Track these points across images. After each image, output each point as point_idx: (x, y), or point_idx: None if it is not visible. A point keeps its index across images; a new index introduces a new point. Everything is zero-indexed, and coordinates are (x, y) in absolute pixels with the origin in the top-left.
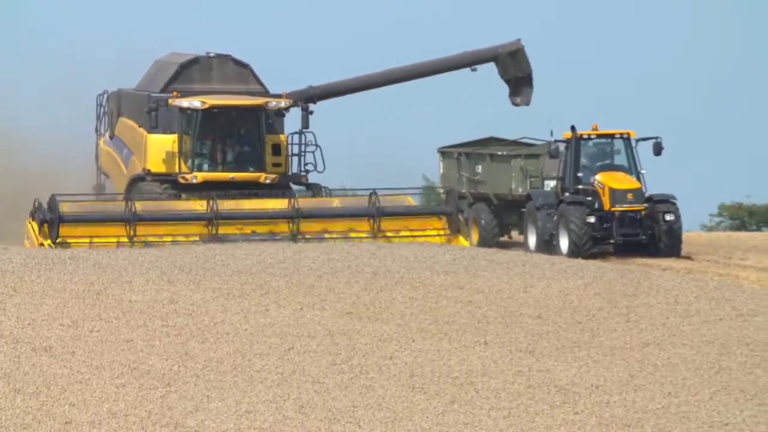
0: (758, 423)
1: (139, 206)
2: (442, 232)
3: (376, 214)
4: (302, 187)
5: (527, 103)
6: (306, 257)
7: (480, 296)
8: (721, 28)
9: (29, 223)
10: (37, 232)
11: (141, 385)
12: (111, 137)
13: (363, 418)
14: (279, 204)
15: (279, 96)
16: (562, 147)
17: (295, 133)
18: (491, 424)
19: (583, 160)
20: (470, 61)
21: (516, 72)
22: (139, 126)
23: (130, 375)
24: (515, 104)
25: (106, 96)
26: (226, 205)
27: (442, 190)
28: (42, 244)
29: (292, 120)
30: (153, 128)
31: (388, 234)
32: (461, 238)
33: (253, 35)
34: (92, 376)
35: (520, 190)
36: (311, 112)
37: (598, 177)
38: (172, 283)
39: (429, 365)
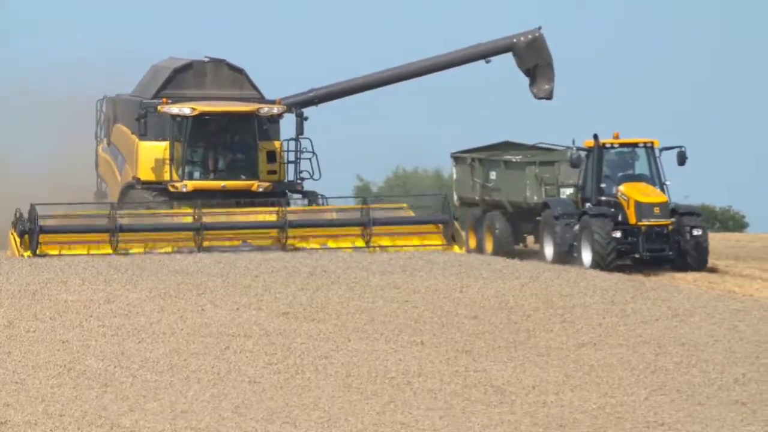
0: (694, 423)
1: (123, 216)
2: (437, 241)
3: (368, 223)
4: (299, 195)
5: (549, 97)
6: (242, 257)
7: (417, 296)
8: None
9: (11, 233)
10: (18, 243)
11: (77, 385)
12: (108, 144)
13: (299, 418)
14: (268, 214)
15: (272, 102)
16: (583, 155)
17: (291, 139)
18: (428, 424)
19: (605, 169)
20: (485, 52)
21: (535, 60)
22: (132, 133)
23: (66, 375)
24: (537, 97)
25: (104, 101)
26: (214, 215)
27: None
28: (22, 256)
29: (292, 126)
30: (143, 135)
31: (382, 243)
32: (456, 247)
33: (255, 36)
34: (28, 377)
35: (536, 198)
36: (306, 119)
37: (622, 188)
38: (108, 283)
39: (365, 365)
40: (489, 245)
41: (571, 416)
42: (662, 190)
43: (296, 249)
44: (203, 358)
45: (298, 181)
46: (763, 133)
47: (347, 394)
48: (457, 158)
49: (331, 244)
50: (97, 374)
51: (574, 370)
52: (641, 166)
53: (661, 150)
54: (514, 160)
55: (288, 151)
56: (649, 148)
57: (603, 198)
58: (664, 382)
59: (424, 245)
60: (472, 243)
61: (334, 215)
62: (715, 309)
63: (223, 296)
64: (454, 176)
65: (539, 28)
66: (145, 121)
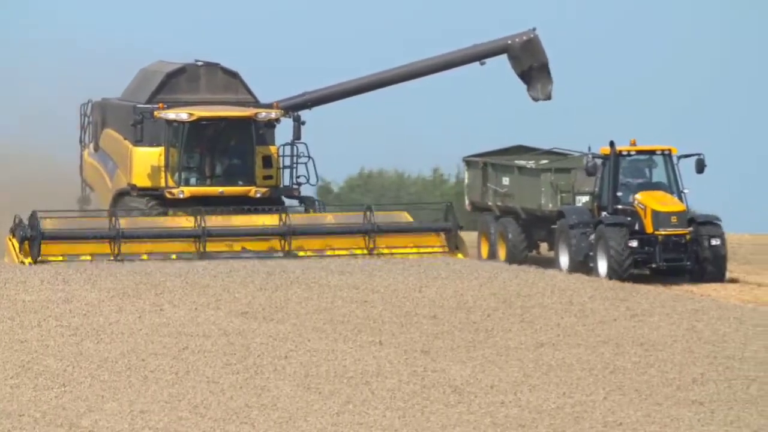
0: (652, 423)
1: (123, 223)
2: (440, 249)
3: (371, 230)
4: (295, 201)
5: (548, 97)
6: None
7: (375, 296)
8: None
9: (9, 239)
10: (17, 250)
11: (36, 385)
12: (96, 149)
13: (258, 419)
14: (270, 220)
15: (270, 106)
16: (599, 163)
17: (287, 144)
18: (386, 424)
19: (621, 177)
20: (479, 54)
21: (531, 62)
22: (125, 138)
23: (24, 375)
24: (535, 100)
25: (90, 105)
26: (215, 221)
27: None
28: (23, 262)
29: (283, 130)
30: (138, 141)
31: (384, 251)
32: (460, 255)
33: (243, 37)
34: None
35: (551, 205)
36: (303, 123)
37: (639, 196)
38: (66, 282)
39: (324, 365)
40: (502, 252)
41: (529, 416)
42: (680, 198)
43: (299, 257)
44: (162, 358)
45: (295, 187)
46: (729, 135)
47: (306, 394)
48: (469, 162)
49: (332, 252)
50: (55, 374)
51: (533, 369)
52: (659, 174)
53: (679, 157)
54: (528, 165)
55: (283, 156)
56: (667, 155)
57: (619, 206)
58: (622, 382)
59: (428, 252)
60: (484, 250)
61: (334, 221)
62: (674, 309)
63: (181, 296)
64: (466, 180)
65: (534, 29)
66: (141, 126)
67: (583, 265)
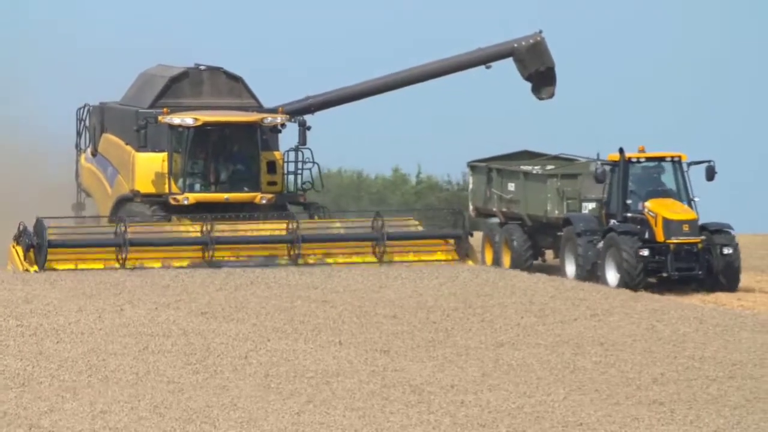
0: (612, 422)
1: (130, 230)
2: (449, 257)
3: (381, 238)
4: (299, 207)
5: (551, 96)
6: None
7: (335, 296)
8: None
9: (13, 247)
10: (22, 258)
11: None
12: (93, 154)
13: (218, 418)
14: (278, 227)
15: (275, 111)
16: (608, 170)
17: (291, 149)
18: (346, 424)
19: (630, 184)
20: (485, 57)
21: (537, 66)
22: (126, 143)
23: None
24: (540, 98)
25: (87, 109)
26: (222, 228)
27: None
28: (27, 270)
29: (286, 134)
30: (142, 147)
31: (395, 259)
32: (470, 262)
33: (238, 39)
34: None
35: (557, 212)
36: (309, 128)
37: (649, 204)
38: (26, 282)
39: (284, 365)
40: (506, 259)
41: (489, 416)
42: (690, 206)
43: (308, 264)
44: (122, 358)
45: (300, 193)
46: (708, 137)
47: (266, 393)
48: (474, 167)
49: (342, 259)
50: (15, 374)
51: (493, 369)
52: (668, 181)
53: (689, 164)
54: (534, 171)
55: (287, 161)
56: (677, 162)
57: (629, 214)
58: (582, 381)
59: (439, 260)
60: (488, 257)
61: (341, 228)
62: (633, 309)
63: (141, 296)
64: (470, 186)
65: (540, 31)
66: (146, 132)
67: (590, 273)
